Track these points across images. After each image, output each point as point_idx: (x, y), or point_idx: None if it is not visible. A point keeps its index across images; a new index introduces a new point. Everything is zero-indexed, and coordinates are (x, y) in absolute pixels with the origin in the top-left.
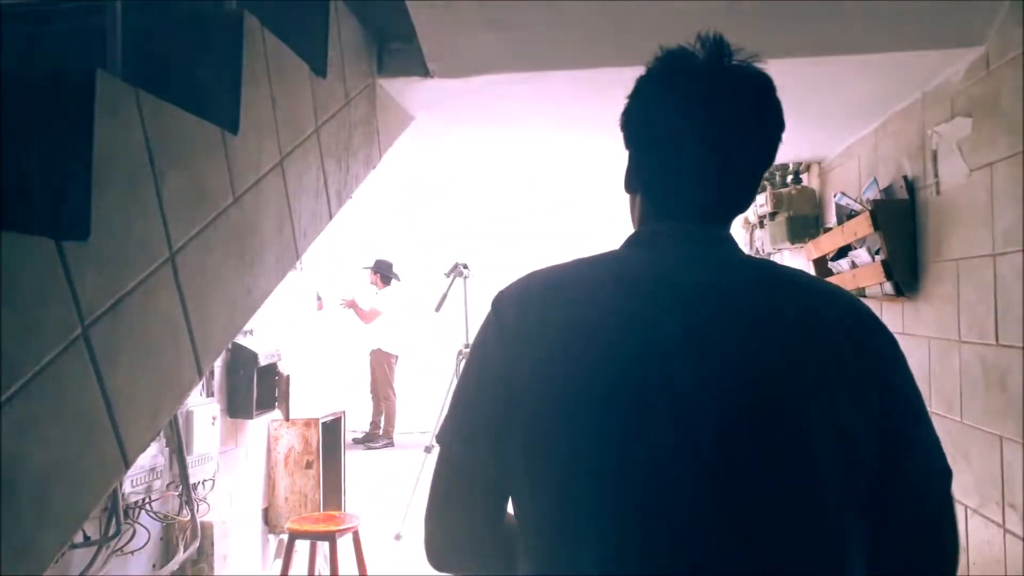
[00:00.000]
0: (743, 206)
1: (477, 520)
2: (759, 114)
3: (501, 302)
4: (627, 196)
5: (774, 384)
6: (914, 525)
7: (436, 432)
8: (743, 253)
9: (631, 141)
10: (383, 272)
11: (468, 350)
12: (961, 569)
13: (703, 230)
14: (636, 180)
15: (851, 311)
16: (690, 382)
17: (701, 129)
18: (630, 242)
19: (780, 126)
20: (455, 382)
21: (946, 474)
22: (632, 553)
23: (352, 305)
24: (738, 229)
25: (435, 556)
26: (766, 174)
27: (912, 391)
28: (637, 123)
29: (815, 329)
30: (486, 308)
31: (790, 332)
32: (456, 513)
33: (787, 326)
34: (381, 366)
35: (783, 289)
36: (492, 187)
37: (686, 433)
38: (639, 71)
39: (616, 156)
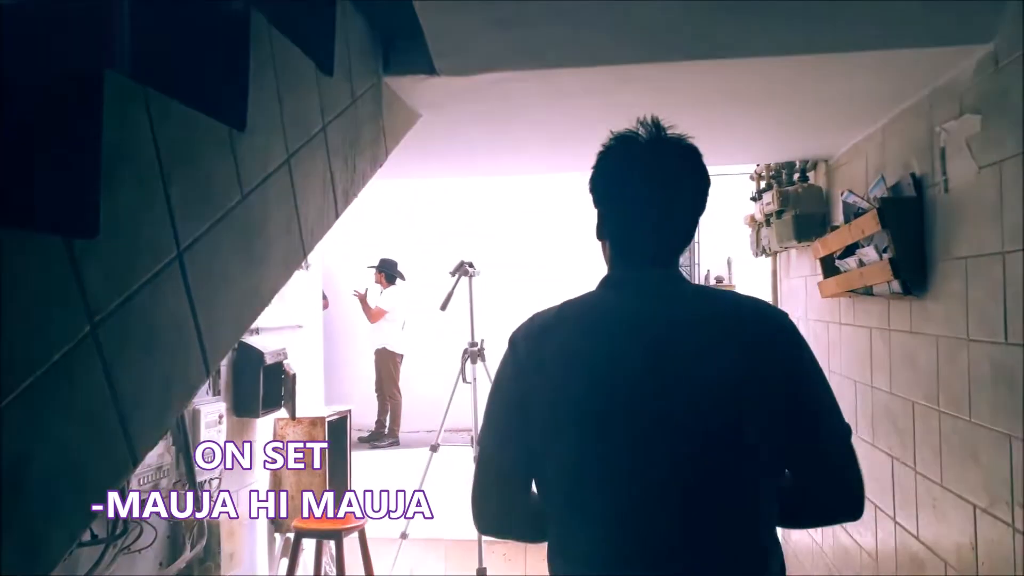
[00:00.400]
0: (683, 247)
1: (505, 500)
2: (689, 175)
3: (515, 342)
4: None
5: (710, 388)
6: (828, 475)
7: (476, 436)
8: (687, 282)
9: (596, 202)
10: (388, 271)
11: (471, 347)
12: (970, 569)
13: (653, 274)
14: (603, 231)
15: (772, 319)
16: (648, 394)
17: (646, 192)
18: (603, 284)
19: (706, 183)
20: (460, 381)
21: (847, 433)
22: (612, 515)
23: (362, 298)
24: (743, 228)
25: (481, 526)
26: (772, 173)
27: (817, 376)
28: (599, 189)
29: (743, 338)
30: (492, 307)
31: (721, 344)
32: (492, 495)
33: (719, 340)
34: (386, 365)
35: (719, 310)
36: (498, 185)
37: (644, 434)
38: (647, 68)
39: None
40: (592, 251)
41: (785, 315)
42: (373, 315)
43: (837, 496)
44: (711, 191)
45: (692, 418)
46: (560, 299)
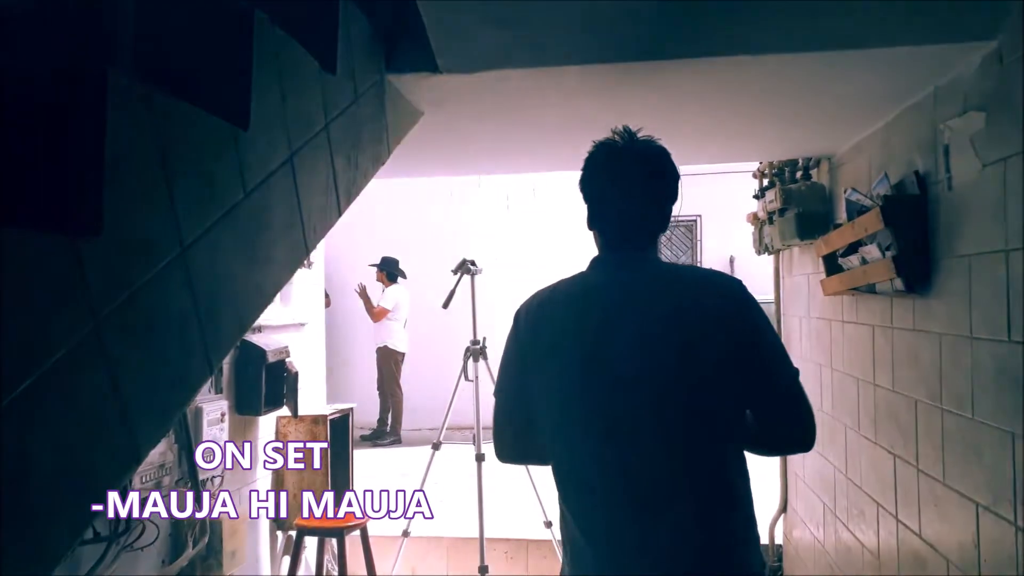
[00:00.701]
0: (659, 231)
1: (518, 437)
2: (658, 173)
3: (518, 317)
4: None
5: (681, 341)
6: (780, 408)
7: (494, 388)
8: (660, 260)
9: (585, 199)
10: (389, 270)
11: (474, 345)
12: (972, 567)
13: (632, 255)
14: (591, 223)
15: (727, 285)
16: (628, 349)
17: (621, 189)
18: (593, 264)
19: (671, 178)
20: (462, 379)
21: (795, 373)
22: (595, 465)
23: (364, 296)
24: (746, 225)
25: (502, 457)
26: (774, 170)
27: (767, 328)
28: (584, 189)
29: (703, 302)
30: (494, 305)
31: (689, 307)
32: (507, 434)
33: (687, 304)
34: (388, 363)
35: (683, 280)
36: (501, 183)
37: (629, 389)
38: (649, 66)
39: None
40: (588, 249)
41: (740, 281)
42: (375, 314)
43: (790, 427)
44: (724, 187)
45: (660, 368)
46: None
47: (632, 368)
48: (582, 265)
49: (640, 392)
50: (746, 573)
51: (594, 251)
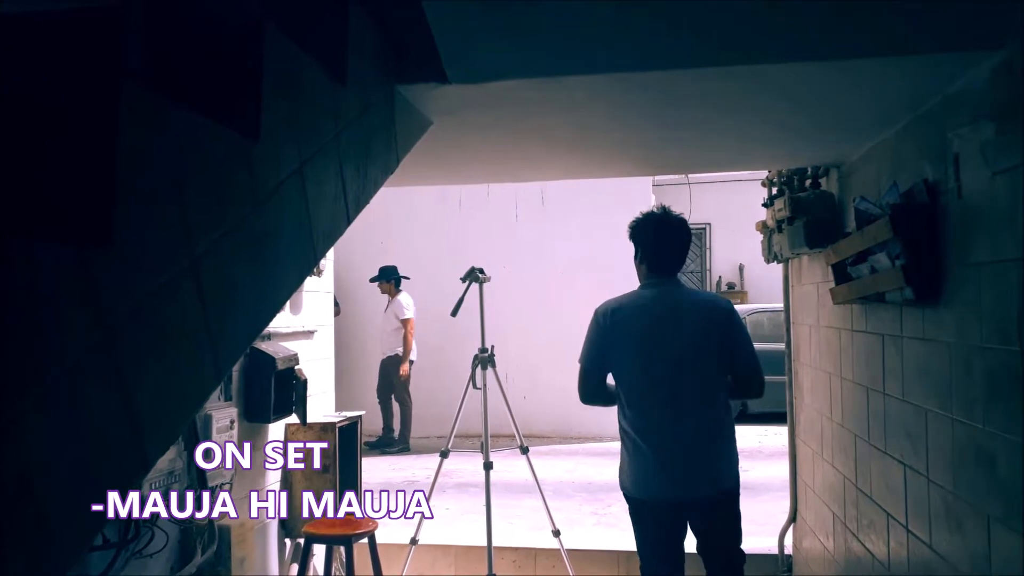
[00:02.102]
0: (681, 266)
1: (597, 386)
2: (682, 234)
3: (599, 314)
4: (628, 259)
5: (698, 334)
6: (743, 379)
7: (580, 358)
8: (684, 286)
9: (637, 245)
10: (392, 277)
11: (482, 353)
12: None
13: (667, 282)
14: (640, 259)
15: (722, 305)
16: (671, 340)
17: (661, 243)
18: (644, 285)
19: (690, 237)
20: (470, 387)
21: (756, 361)
22: (651, 399)
23: (406, 355)
24: (756, 234)
25: (584, 400)
26: (783, 179)
27: (743, 331)
28: (638, 239)
29: (710, 314)
30: (502, 313)
31: (703, 317)
32: (589, 385)
33: (701, 315)
34: (396, 370)
35: (698, 299)
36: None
37: (670, 359)
38: (655, 76)
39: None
40: (596, 258)
41: (729, 302)
42: (410, 335)
43: (749, 384)
44: (733, 196)
45: (686, 349)
46: (567, 307)
47: (673, 348)
48: (588, 272)
49: (677, 360)
50: (727, 478)
51: (601, 265)
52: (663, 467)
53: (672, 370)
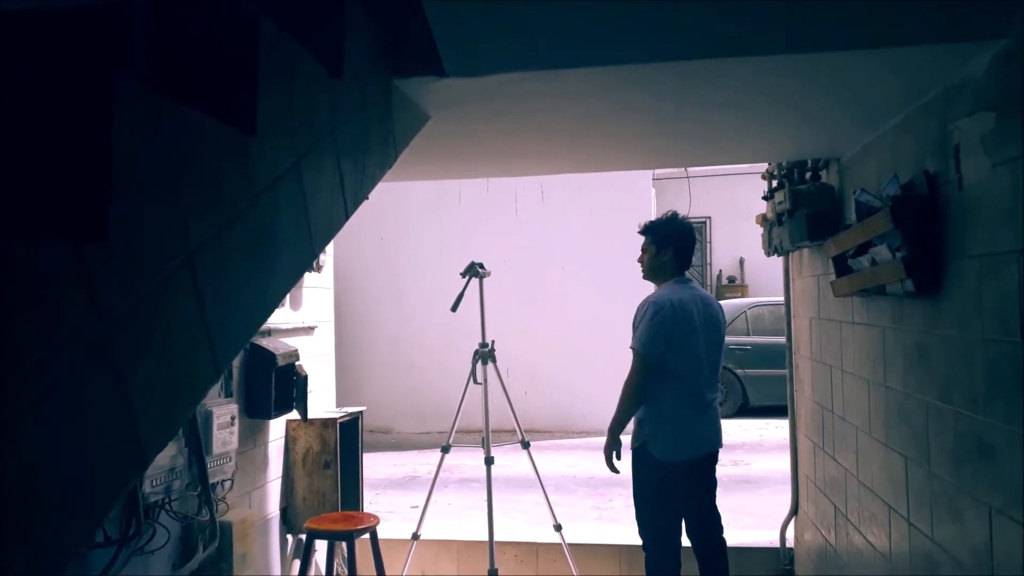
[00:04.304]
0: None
1: (649, 376)
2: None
3: (664, 308)
4: (640, 247)
5: (716, 329)
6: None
7: (634, 344)
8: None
9: (671, 245)
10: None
11: (482, 348)
12: (985, 570)
13: (688, 281)
14: (671, 257)
15: (719, 305)
16: (711, 333)
17: (692, 244)
18: (678, 282)
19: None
20: (471, 382)
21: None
22: (702, 382)
23: None
24: (756, 227)
25: (638, 389)
26: (783, 171)
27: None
28: (676, 240)
29: (718, 313)
30: (502, 308)
31: (716, 313)
32: (647, 375)
33: (716, 311)
34: None
35: (709, 298)
36: (509, 186)
37: (707, 349)
38: (655, 68)
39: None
40: (596, 252)
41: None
42: None
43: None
44: (734, 189)
45: (717, 342)
46: (567, 301)
47: (712, 340)
48: (588, 266)
49: (711, 351)
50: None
51: (601, 259)
52: (702, 432)
53: (707, 358)
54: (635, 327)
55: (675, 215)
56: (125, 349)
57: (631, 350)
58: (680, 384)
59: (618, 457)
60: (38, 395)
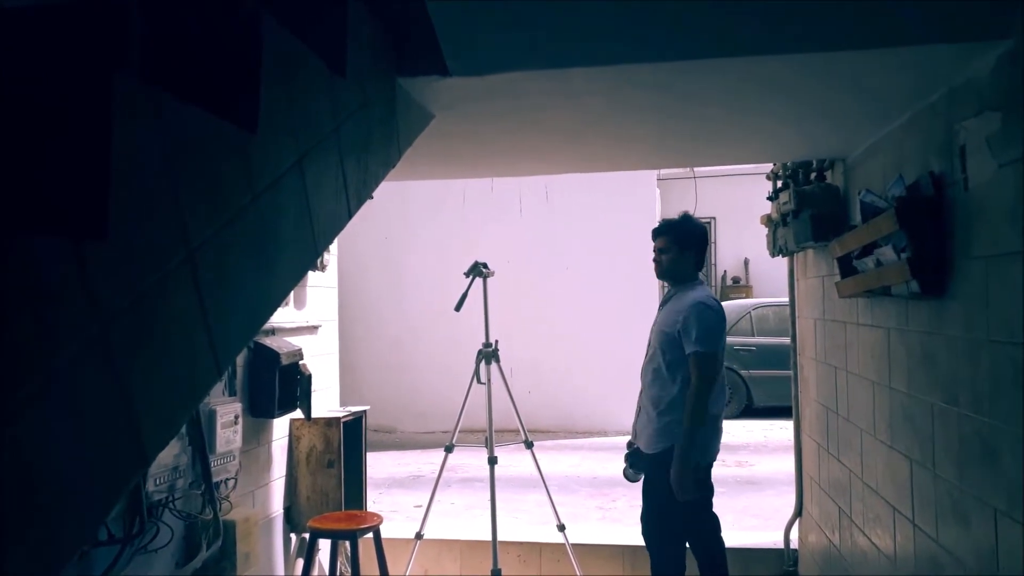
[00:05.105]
0: None
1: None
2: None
3: (714, 307)
4: (655, 242)
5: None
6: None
7: (700, 347)
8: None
9: (695, 246)
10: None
11: (486, 348)
12: (990, 571)
13: (702, 281)
14: (694, 260)
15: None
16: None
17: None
18: (699, 285)
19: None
20: (474, 382)
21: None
22: (723, 384)
23: None
24: (761, 227)
25: (713, 385)
26: (788, 172)
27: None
28: (701, 243)
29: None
30: (506, 308)
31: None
32: (719, 371)
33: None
34: None
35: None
36: (513, 185)
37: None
38: (659, 68)
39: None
40: (600, 252)
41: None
42: None
43: None
44: (738, 189)
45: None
46: (571, 301)
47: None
48: (592, 266)
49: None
50: None
51: (605, 260)
52: (720, 434)
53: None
54: (681, 332)
55: (690, 215)
56: (125, 347)
57: (695, 355)
58: (720, 386)
59: (642, 471)
60: (37, 393)
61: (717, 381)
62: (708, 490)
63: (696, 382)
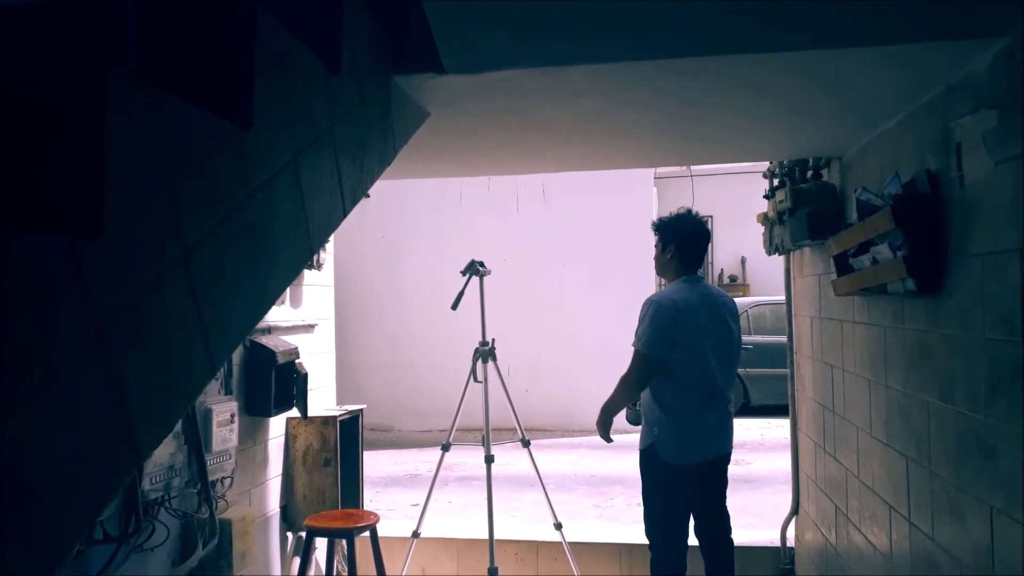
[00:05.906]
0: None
1: (651, 376)
2: (708, 234)
3: (664, 307)
4: (645, 246)
5: (729, 327)
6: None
7: (636, 343)
8: (705, 281)
9: (671, 242)
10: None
11: (483, 346)
12: (986, 570)
13: (699, 280)
14: (673, 255)
15: (734, 305)
16: (710, 330)
17: (700, 241)
18: (687, 280)
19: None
20: (471, 380)
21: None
22: (707, 387)
23: None
24: (758, 225)
25: (637, 389)
26: (785, 170)
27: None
28: (678, 238)
29: (731, 307)
30: (503, 306)
31: (728, 311)
32: (647, 375)
33: (728, 309)
34: None
35: (721, 296)
36: (510, 183)
37: (721, 353)
38: (656, 65)
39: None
40: (597, 251)
41: (732, 299)
42: None
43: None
44: (735, 188)
45: (730, 346)
46: (568, 300)
47: (724, 344)
48: (589, 265)
49: (724, 355)
50: (731, 444)
51: (602, 258)
52: (710, 434)
53: (718, 362)
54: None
55: (687, 212)
56: (120, 345)
57: (632, 347)
58: (687, 386)
59: (608, 439)
60: (32, 391)
61: (647, 379)
62: (675, 500)
63: (628, 367)
